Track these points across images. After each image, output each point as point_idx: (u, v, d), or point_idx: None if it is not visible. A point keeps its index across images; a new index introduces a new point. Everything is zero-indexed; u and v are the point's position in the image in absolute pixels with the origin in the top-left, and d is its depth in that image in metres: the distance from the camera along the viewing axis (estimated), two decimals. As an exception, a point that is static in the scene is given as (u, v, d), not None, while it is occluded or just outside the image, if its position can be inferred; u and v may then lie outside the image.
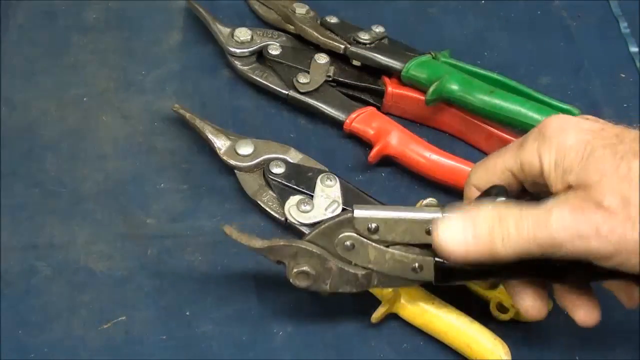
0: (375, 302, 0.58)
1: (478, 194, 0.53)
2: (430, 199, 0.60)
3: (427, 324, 0.58)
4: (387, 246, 0.53)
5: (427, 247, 0.52)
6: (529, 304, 0.52)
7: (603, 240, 0.45)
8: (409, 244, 0.53)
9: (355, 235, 0.53)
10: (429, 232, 0.51)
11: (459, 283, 0.55)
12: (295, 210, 0.62)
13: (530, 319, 0.53)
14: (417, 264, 0.52)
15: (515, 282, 0.53)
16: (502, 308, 0.59)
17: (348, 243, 0.53)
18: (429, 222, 0.51)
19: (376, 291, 0.59)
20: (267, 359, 0.58)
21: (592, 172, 0.46)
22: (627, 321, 0.61)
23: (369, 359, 0.58)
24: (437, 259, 0.52)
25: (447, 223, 0.49)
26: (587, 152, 0.47)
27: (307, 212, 0.62)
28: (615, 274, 0.47)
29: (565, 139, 0.48)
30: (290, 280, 0.54)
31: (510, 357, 0.56)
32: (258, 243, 0.54)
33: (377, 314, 0.58)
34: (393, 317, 0.59)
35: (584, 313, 0.51)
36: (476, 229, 0.48)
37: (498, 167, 0.52)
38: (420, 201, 0.60)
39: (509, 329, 0.58)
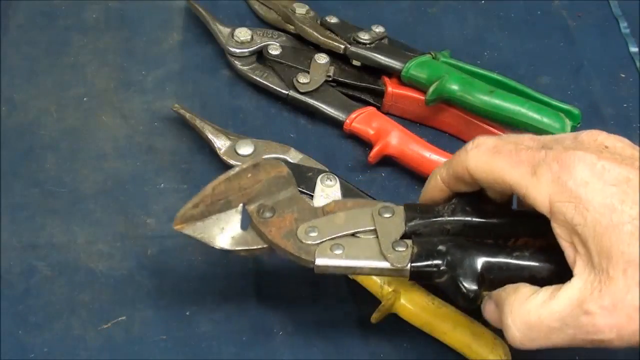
0: (375, 302, 0.58)
1: (463, 178, 0.50)
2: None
3: (427, 324, 0.58)
4: None
5: None
6: None
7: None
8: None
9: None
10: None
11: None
12: (295, 210, 0.62)
13: None
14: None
15: None
16: (502, 308, 0.58)
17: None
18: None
19: (376, 291, 0.59)
20: (267, 359, 0.58)
21: (617, 246, 0.42)
22: (627, 321, 0.61)
23: (369, 359, 0.58)
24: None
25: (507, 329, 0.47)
26: (613, 222, 0.43)
27: (307, 212, 0.62)
28: None
29: (590, 198, 0.44)
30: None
31: (510, 357, 0.56)
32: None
33: (377, 314, 0.58)
34: (393, 317, 0.59)
35: None
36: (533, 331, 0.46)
37: (498, 175, 0.48)
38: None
39: (509, 329, 0.58)
